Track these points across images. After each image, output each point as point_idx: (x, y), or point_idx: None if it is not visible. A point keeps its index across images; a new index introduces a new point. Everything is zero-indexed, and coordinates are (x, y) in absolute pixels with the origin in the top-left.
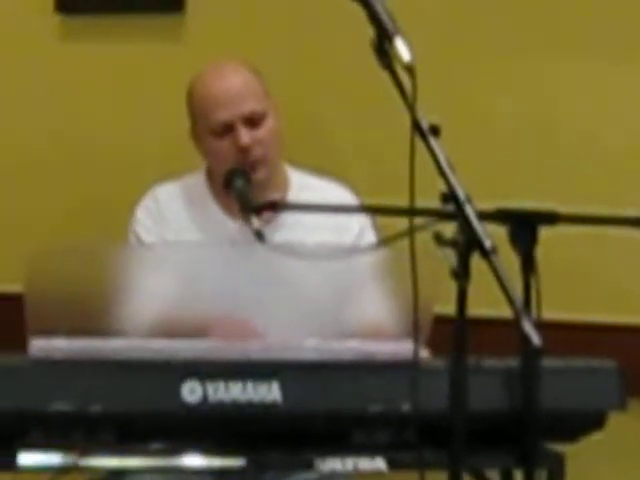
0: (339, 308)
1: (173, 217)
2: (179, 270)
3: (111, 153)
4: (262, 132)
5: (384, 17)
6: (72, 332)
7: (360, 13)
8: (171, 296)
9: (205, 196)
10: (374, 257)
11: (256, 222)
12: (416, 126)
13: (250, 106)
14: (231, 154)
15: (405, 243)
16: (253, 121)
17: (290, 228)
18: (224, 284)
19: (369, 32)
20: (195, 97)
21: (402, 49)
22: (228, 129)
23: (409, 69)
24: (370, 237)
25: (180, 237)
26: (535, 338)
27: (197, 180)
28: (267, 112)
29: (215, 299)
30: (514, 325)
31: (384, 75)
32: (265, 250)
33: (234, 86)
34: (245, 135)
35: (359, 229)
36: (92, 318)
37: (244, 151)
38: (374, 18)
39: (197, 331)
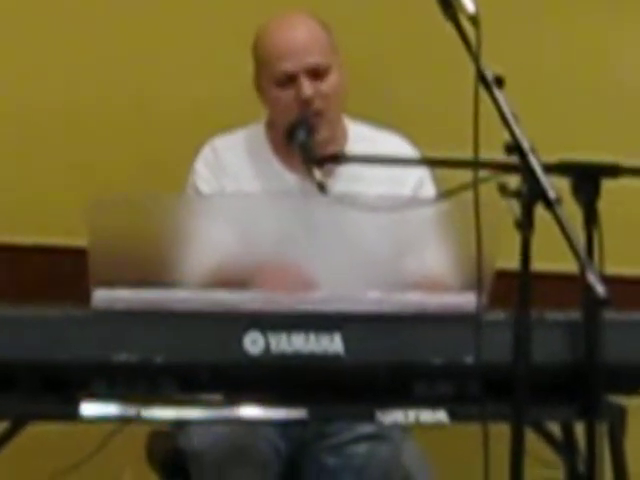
0: (399, 260)
1: (232, 168)
2: (238, 220)
3: (170, 106)
4: (325, 85)
5: None
6: (134, 283)
7: None
8: (230, 246)
9: (264, 148)
10: (436, 209)
11: (318, 174)
12: (480, 77)
13: (315, 58)
14: (293, 105)
15: (466, 195)
16: (317, 73)
17: (349, 180)
18: (282, 234)
19: None
20: (260, 46)
21: (466, 0)
22: (291, 80)
23: (473, 20)
24: (429, 189)
25: (239, 187)
26: (600, 289)
27: (257, 132)
28: (332, 66)
29: (273, 249)
30: (578, 277)
31: (447, 25)
32: (325, 202)
33: (300, 37)
34: (308, 87)
35: (416, 180)
36: (153, 268)
37: (306, 103)
38: None
39: (252, 279)
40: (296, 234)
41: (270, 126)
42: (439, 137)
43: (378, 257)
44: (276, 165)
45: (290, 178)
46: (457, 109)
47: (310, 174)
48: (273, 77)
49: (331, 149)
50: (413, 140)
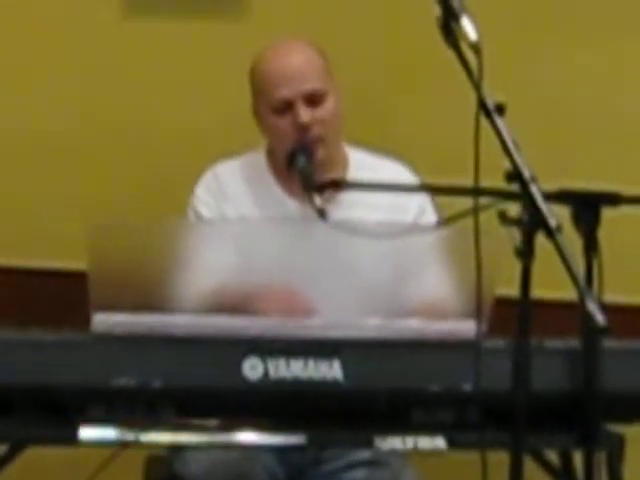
0: (398, 287)
1: (233, 194)
2: (237, 245)
3: (172, 133)
4: (322, 111)
5: None
6: (134, 307)
7: None
8: (229, 271)
9: (265, 174)
10: (436, 236)
11: (318, 200)
12: (482, 104)
13: (311, 84)
14: (291, 132)
15: (467, 222)
16: (314, 99)
17: (349, 207)
18: (282, 260)
19: (435, 10)
20: (257, 73)
21: (468, 28)
22: (288, 106)
23: (475, 48)
24: (430, 216)
25: (240, 213)
26: (599, 317)
27: (258, 158)
28: (328, 91)
29: (272, 274)
30: (578, 305)
31: (449, 53)
32: (325, 227)
33: (296, 63)
34: (305, 113)
35: (418, 208)
36: (153, 293)
37: (303, 129)
38: None
39: (250, 304)
40: (296, 260)
41: (270, 153)
42: (440, 164)
43: (378, 283)
44: (277, 191)
45: (291, 204)
46: (458, 136)
47: (310, 200)
48: (270, 104)
49: (331, 175)
50: (414, 167)
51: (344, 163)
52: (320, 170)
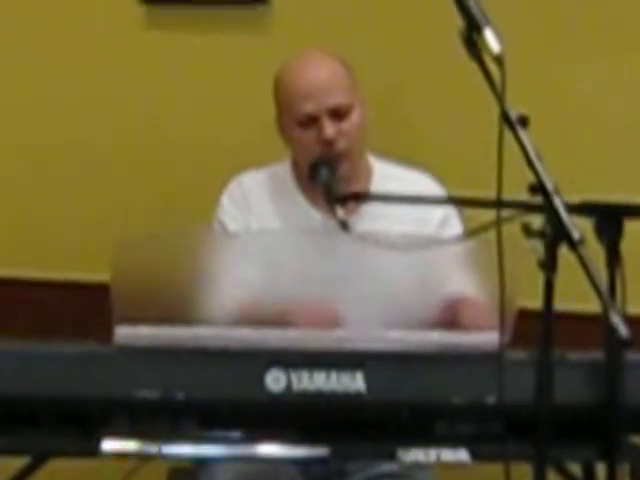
0: (422, 298)
1: (258, 205)
2: (262, 258)
3: (193, 145)
4: (347, 125)
5: (473, 8)
6: (157, 320)
7: (449, 3)
8: (254, 284)
9: (290, 186)
10: (460, 248)
11: (341, 212)
12: (505, 117)
13: (336, 99)
14: (315, 146)
15: (491, 235)
16: (339, 114)
17: (373, 218)
18: (307, 273)
19: (458, 22)
20: (282, 87)
21: (491, 40)
22: (313, 121)
23: (498, 60)
24: (456, 227)
25: (264, 225)
26: (623, 329)
27: (283, 169)
28: (353, 105)
29: (297, 287)
30: (601, 317)
31: (472, 65)
32: (349, 240)
33: (321, 78)
34: (330, 128)
35: (442, 219)
36: (176, 306)
37: (328, 143)
38: (463, 9)
39: (280, 318)
40: (320, 272)
41: (295, 164)
42: (463, 176)
43: (402, 295)
44: (301, 203)
45: (315, 216)
46: (481, 148)
47: (332, 212)
48: (295, 118)
49: (355, 187)
50: (437, 177)
51: (368, 174)
52: (344, 182)
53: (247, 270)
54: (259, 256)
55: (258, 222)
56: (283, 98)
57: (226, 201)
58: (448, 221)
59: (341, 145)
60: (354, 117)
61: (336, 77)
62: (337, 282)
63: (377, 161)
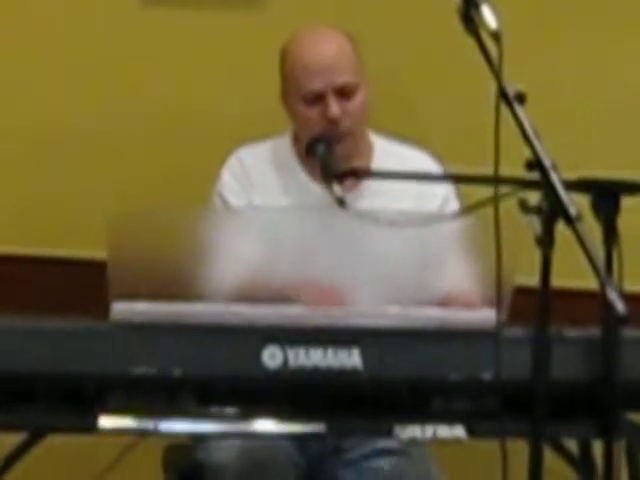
0: (420, 276)
1: (259, 179)
2: (262, 234)
3: (193, 120)
4: (353, 104)
5: None
6: (154, 296)
7: None
8: (253, 260)
9: (291, 159)
10: (457, 225)
11: (338, 189)
12: (502, 93)
13: (344, 78)
14: (319, 122)
15: (488, 211)
16: (345, 93)
17: (373, 196)
18: (306, 249)
19: None
20: (289, 60)
21: (489, 16)
22: (319, 98)
23: (495, 36)
24: (454, 205)
25: (266, 199)
26: (620, 306)
27: (283, 143)
28: (360, 84)
29: (296, 264)
30: (598, 294)
31: (469, 41)
32: (348, 217)
33: (330, 54)
34: (335, 106)
35: (443, 197)
36: (174, 282)
37: (333, 122)
38: None
39: (279, 295)
40: (320, 249)
41: (296, 137)
42: (460, 153)
43: (399, 273)
44: (301, 176)
45: (315, 189)
46: (478, 125)
47: (329, 189)
48: (300, 94)
49: (355, 164)
50: (434, 154)
51: (369, 151)
52: (345, 159)
53: (246, 246)
54: (259, 232)
55: (260, 196)
56: (290, 72)
57: (227, 176)
58: (449, 199)
59: (345, 124)
60: (359, 97)
61: (344, 55)
62: (336, 259)
63: (378, 138)
